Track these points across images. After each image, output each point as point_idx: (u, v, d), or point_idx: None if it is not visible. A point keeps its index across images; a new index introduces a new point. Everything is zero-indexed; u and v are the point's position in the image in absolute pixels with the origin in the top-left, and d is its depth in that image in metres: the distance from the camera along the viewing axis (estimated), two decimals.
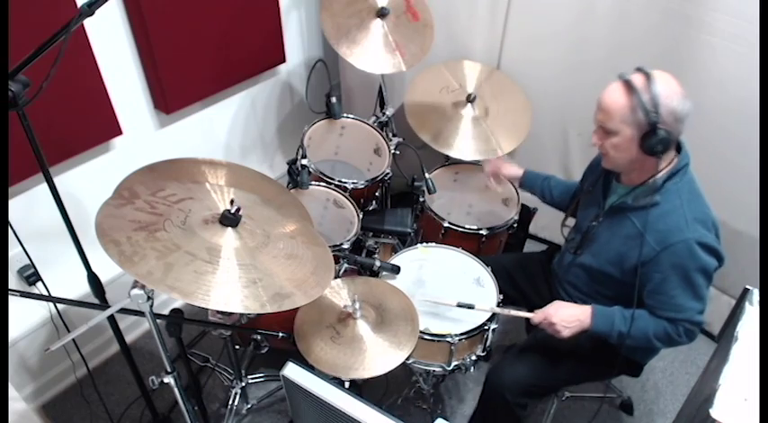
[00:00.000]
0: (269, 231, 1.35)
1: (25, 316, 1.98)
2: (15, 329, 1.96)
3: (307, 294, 1.26)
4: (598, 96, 1.47)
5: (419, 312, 1.66)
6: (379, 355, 1.53)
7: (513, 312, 1.72)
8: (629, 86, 1.40)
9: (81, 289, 1.65)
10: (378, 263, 1.84)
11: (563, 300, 1.71)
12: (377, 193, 2.32)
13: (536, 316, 1.63)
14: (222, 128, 2.47)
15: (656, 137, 1.39)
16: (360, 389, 1.75)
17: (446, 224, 2.13)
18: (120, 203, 1.23)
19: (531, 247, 2.62)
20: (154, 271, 1.12)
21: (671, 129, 1.40)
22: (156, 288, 1.12)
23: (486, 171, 2.13)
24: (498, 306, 1.75)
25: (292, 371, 1.32)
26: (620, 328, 1.54)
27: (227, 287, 1.17)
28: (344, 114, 2.30)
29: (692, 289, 1.48)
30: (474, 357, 1.77)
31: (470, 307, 1.70)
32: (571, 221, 1.84)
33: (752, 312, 1.42)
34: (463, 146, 2.23)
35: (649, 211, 1.48)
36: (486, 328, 1.72)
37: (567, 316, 1.59)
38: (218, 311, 1.73)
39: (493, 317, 1.73)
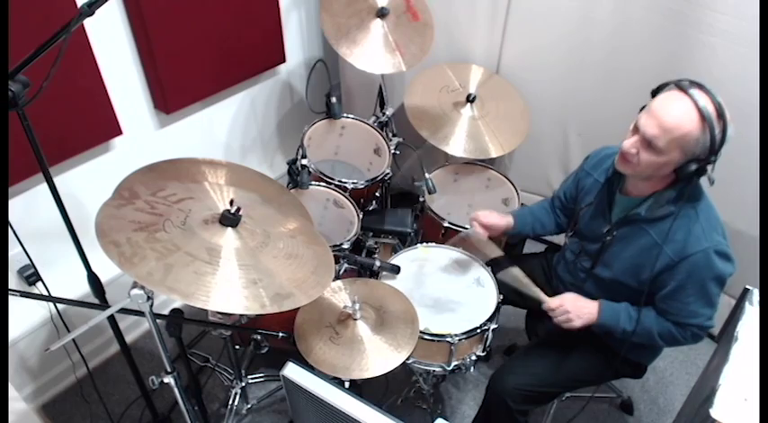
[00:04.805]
0: (269, 231, 1.35)
1: (25, 316, 1.98)
2: (15, 329, 1.96)
3: (307, 294, 1.26)
4: (656, 105, 1.33)
5: (419, 311, 1.66)
6: (379, 356, 1.53)
7: (534, 288, 1.68)
8: (702, 115, 1.28)
9: (81, 289, 1.65)
10: (378, 263, 1.84)
11: None
12: (377, 193, 2.32)
13: (552, 301, 1.62)
14: (222, 128, 2.47)
15: (699, 169, 1.34)
16: (360, 389, 1.75)
17: (446, 224, 2.13)
18: (120, 204, 1.23)
19: (530, 246, 2.61)
20: (154, 272, 1.12)
21: (714, 163, 1.34)
22: (155, 290, 1.11)
23: (480, 223, 1.80)
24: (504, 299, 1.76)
25: (292, 371, 1.32)
26: (625, 326, 1.55)
27: (228, 288, 1.17)
28: (344, 114, 2.30)
29: (706, 297, 1.47)
30: (474, 357, 1.77)
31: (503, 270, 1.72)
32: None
33: (752, 312, 1.42)
34: (461, 144, 2.24)
35: (665, 222, 1.45)
36: (485, 328, 1.72)
37: (580, 306, 1.60)
38: (217, 311, 1.74)
39: (493, 317, 1.73)
